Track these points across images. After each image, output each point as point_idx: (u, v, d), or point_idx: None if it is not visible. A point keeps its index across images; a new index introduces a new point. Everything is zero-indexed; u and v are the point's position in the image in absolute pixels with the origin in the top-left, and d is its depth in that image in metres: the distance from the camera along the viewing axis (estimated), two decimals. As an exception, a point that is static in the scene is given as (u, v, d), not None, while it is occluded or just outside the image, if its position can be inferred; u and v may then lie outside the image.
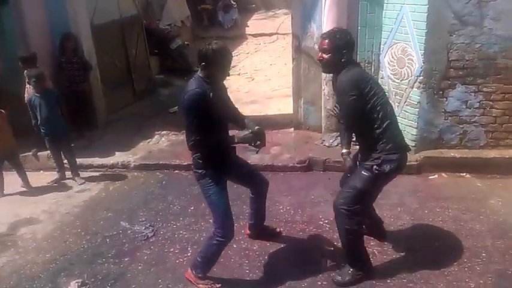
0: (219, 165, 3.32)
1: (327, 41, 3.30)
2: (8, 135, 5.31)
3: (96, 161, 5.93)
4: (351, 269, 3.46)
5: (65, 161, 5.65)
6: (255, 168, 4.02)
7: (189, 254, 3.93)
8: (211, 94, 3.11)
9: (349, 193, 3.33)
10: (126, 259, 3.94)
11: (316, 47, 5.85)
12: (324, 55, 3.33)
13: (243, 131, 3.39)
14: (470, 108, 5.03)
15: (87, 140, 6.41)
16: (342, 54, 3.26)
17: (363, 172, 3.32)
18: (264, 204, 3.94)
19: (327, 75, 4.45)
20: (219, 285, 3.50)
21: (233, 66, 10.70)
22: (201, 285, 3.48)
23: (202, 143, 3.18)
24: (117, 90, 7.57)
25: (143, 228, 4.38)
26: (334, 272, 3.54)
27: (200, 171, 3.34)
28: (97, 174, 5.75)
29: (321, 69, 3.69)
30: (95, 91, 6.83)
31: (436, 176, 5.08)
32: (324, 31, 5.38)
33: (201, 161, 3.31)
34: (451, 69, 4.93)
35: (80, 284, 3.62)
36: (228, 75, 3.27)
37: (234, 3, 13.44)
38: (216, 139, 3.21)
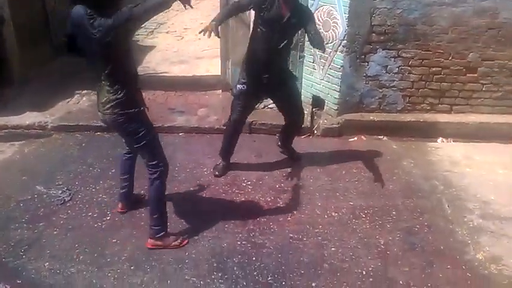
0: None
1: None
2: None
3: (11, 120, 5.56)
4: None
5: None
6: None
7: (108, 218, 3.85)
8: None
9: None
10: (41, 224, 3.79)
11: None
12: None
13: None
14: (389, 73, 5.20)
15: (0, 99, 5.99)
16: None
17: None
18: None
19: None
20: (186, 235, 3.61)
21: (161, 24, 10.36)
22: (174, 244, 3.51)
23: None
24: (34, 45, 7.06)
25: (60, 192, 4.21)
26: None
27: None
28: (11, 135, 5.41)
29: None
30: (9, 45, 6.32)
31: (356, 138, 5.26)
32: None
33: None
34: (373, 34, 5.03)
35: (-11, 250, 3.46)
36: None
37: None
38: None
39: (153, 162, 3.35)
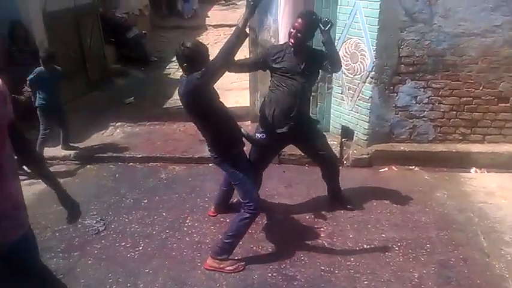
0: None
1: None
2: None
3: (47, 152, 5.73)
4: None
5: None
6: None
7: (140, 248, 3.91)
8: None
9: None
10: (75, 253, 3.88)
11: (273, 40, 5.90)
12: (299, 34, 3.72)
13: None
14: (419, 104, 5.19)
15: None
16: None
17: (316, 126, 4.23)
18: None
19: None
20: (243, 263, 3.66)
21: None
22: (228, 268, 3.58)
23: None
24: (71, 80, 7.35)
25: (94, 222, 4.31)
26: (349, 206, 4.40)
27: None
28: (48, 166, 5.58)
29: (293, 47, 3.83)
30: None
31: (386, 169, 5.22)
32: (280, 25, 5.45)
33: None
34: (402, 65, 5.05)
35: (26, 279, 3.54)
36: None
37: (194, -8, 13.32)
38: None
39: (245, 201, 3.52)
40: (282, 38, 5.32)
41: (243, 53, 9.51)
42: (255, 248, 3.88)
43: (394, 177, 5.05)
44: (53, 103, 5.53)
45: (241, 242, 3.85)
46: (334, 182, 4.42)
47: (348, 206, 4.42)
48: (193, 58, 3.21)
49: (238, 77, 8.44)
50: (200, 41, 3.37)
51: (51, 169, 5.38)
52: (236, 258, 3.71)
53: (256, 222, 4.21)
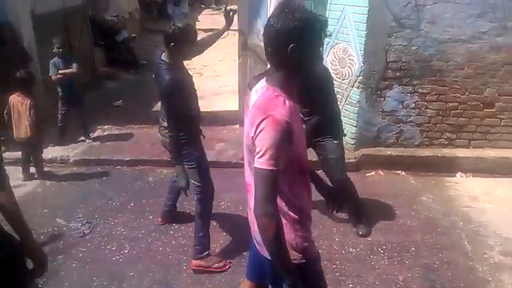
0: None
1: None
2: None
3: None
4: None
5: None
6: None
7: (126, 251, 3.89)
8: None
9: (342, 162, 3.97)
10: (60, 257, 3.84)
11: (263, 44, 5.93)
12: None
13: None
14: (406, 108, 5.24)
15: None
16: None
17: (335, 142, 3.87)
18: None
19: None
20: (229, 260, 3.69)
21: (182, 61, 10.63)
22: (216, 266, 3.60)
23: None
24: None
25: (80, 225, 4.28)
26: (355, 228, 4.11)
27: None
28: (34, 169, 5.54)
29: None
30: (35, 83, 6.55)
31: (373, 173, 5.26)
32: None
33: None
34: (389, 70, 5.10)
35: (9, 283, 3.50)
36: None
37: (185, -4, 13.34)
38: None
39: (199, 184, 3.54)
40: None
41: (232, 57, 9.55)
42: (240, 250, 3.85)
43: (381, 181, 5.08)
44: (72, 92, 6.03)
45: (228, 247, 3.85)
46: (349, 211, 4.18)
47: (359, 232, 4.08)
48: (183, 39, 3.26)
49: (228, 81, 8.52)
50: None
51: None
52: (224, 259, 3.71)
53: (242, 226, 4.20)
